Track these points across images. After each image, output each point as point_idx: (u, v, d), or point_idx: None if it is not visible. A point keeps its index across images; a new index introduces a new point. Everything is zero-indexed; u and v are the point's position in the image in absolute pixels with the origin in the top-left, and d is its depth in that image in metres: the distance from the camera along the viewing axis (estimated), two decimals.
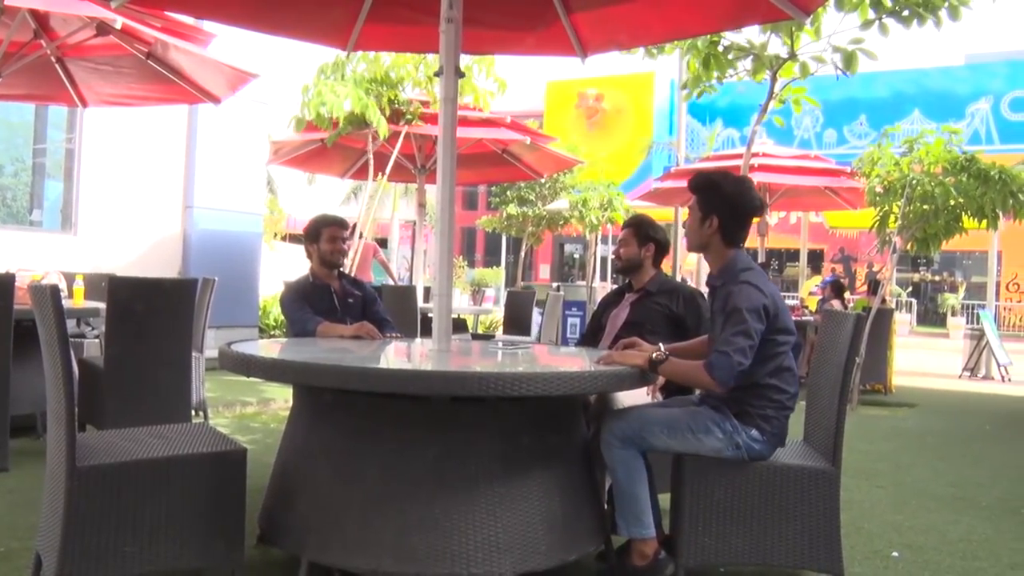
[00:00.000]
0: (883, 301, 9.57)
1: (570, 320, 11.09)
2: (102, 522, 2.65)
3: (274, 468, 3.30)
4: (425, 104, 8.58)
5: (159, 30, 5.40)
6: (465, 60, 7.89)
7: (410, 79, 8.52)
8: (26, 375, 4.84)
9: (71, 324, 6.23)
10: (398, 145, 8.77)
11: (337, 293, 4.52)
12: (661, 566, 3.20)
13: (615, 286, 6.23)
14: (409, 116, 8.35)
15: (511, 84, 8.42)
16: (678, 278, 13.29)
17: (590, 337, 4.33)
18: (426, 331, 4.92)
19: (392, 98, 8.25)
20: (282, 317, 7.14)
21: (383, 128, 8.00)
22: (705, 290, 3.57)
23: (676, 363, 3.14)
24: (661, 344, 3.27)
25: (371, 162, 8.97)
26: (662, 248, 4.22)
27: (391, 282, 11.15)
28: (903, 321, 21.83)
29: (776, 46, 6.63)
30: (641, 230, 4.23)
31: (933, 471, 5.73)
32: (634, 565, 3.21)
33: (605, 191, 16.24)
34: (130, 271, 7.54)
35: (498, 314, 13.19)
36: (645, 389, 3.66)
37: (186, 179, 9.53)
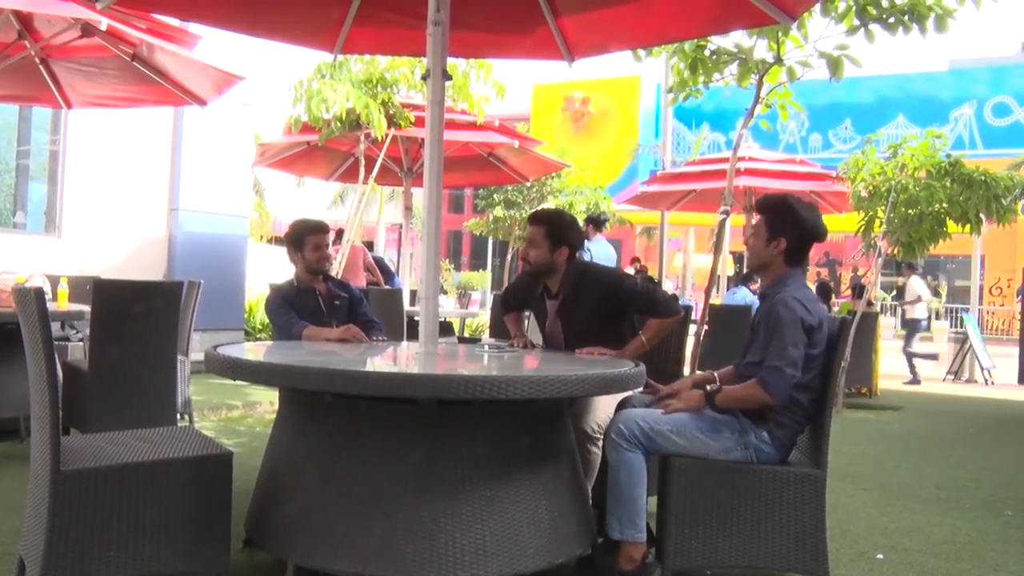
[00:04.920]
0: (868, 304, 9.62)
1: None
2: (87, 526, 2.63)
3: (260, 471, 3.29)
4: (419, 108, 8.56)
5: (144, 32, 5.38)
6: (462, 66, 7.88)
7: (404, 81, 8.50)
8: (10, 378, 4.81)
9: (55, 327, 6.19)
10: (384, 147, 8.76)
11: (323, 296, 4.43)
12: (648, 570, 3.21)
13: None
14: (401, 121, 8.33)
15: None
16: (667, 282, 13.33)
17: (514, 307, 4.29)
18: (412, 334, 4.89)
19: (386, 100, 8.23)
20: (267, 320, 7.08)
21: (381, 128, 7.97)
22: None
23: (729, 391, 3.23)
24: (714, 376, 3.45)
25: (362, 164, 8.95)
26: (575, 250, 3.86)
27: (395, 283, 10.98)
28: (887, 325, 21.94)
29: (762, 51, 6.65)
30: (554, 230, 3.80)
31: (917, 473, 5.77)
32: (622, 569, 3.21)
33: (592, 194, 16.27)
34: (115, 274, 7.51)
35: (484, 317, 13.18)
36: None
37: (172, 181, 9.48)
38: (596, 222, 10.29)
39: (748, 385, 3.19)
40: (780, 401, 3.14)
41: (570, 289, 3.85)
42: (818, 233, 3.35)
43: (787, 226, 3.31)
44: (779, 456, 3.26)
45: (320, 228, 4.50)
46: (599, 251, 9.67)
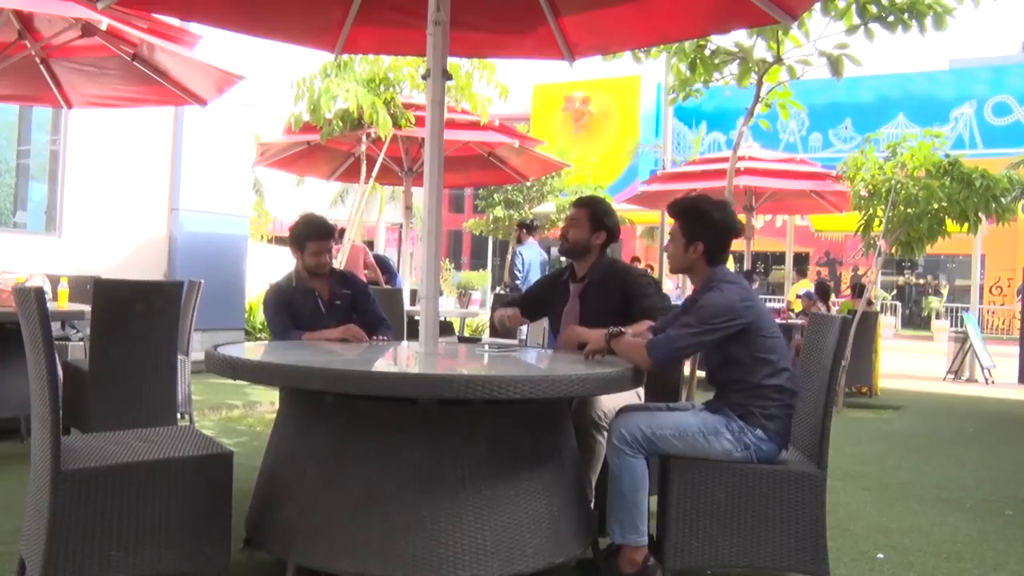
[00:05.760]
0: (868, 304, 9.62)
1: None
2: (87, 526, 2.63)
3: (260, 471, 3.29)
4: (420, 107, 8.54)
5: (145, 31, 5.37)
6: (465, 66, 7.87)
7: (407, 80, 8.49)
8: (10, 378, 4.82)
9: (55, 326, 6.19)
10: (384, 147, 8.75)
11: (323, 297, 4.29)
12: (649, 573, 3.20)
13: None
14: (402, 121, 8.32)
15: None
16: (667, 281, 13.38)
17: (529, 305, 4.24)
18: (412, 334, 4.85)
19: (389, 100, 8.23)
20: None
21: (387, 127, 7.96)
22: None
23: (624, 339, 3.26)
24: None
25: (364, 163, 8.94)
26: (612, 238, 3.98)
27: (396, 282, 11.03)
28: (888, 324, 21.94)
29: (762, 50, 6.65)
30: (596, 213, 3.96)
31: (918, 473, 5.77)
32: (623, 572, 3.21)
33: (592, 194, 16.28)
34: (115, 273, 7.50)
35: (484, 317, 13.19)
36: (633, 392, 3.66)
37: (172, 181, 9.49)
38: (528, 227, 11.27)
39: (640, 344, 3.21)
40: (652, 368, 3.19)
41: (597, 275, 3.91)
42: (733, 230, 3.40)
43: (701, 229, 3.36)
44: (779, 447, 3.27)
45: (322, 234, 4.30)
46: (530, 254, 10.71)
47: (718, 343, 3.23)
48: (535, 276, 10.24)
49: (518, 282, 10.70)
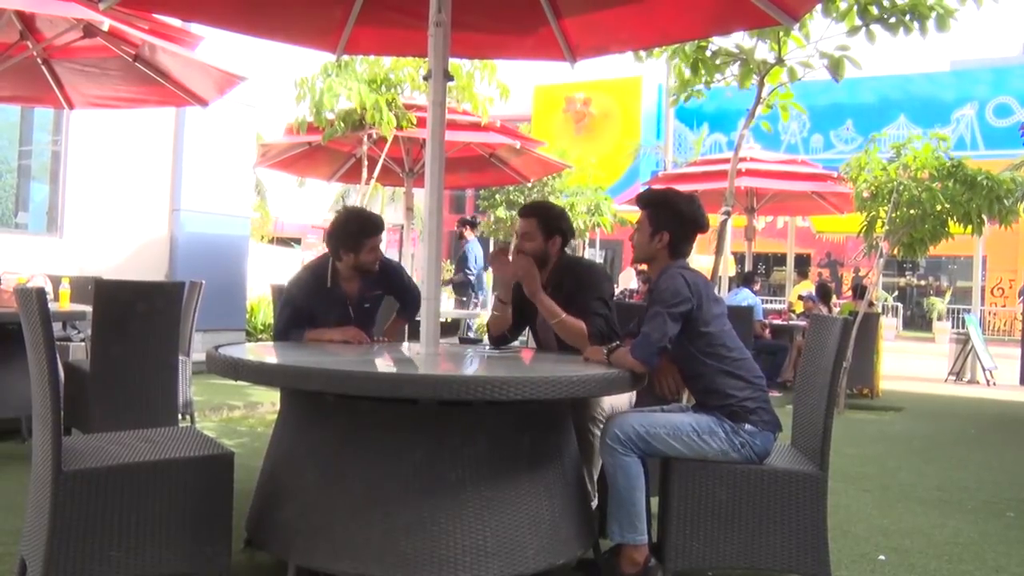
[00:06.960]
0: (869, 305, 9.61)
1: None
2: (88, 527, 2.64)
3: (261, 472, 3.29)
4: (421, 108, 8.53)
5: (146, 32, 5.38)
6: (466, 67, 7.87)
7: (409, 80, 8.48)
8: (11, 378, 4.82)
9: (57, 327, 6.19)
10: (386, 148, 8.75)
11: (353, 303, 4.11)
12: (650, 573, 3.20)
13: None
14: (404, 122, 8.31)
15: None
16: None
17: (514, 317, 4.02)
18: (413, 334, 4.82)
19: (390, 100, 8.22)
20: (269, 321, 6.89)
21: (390, 125, 7.95)
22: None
23: (619, 351, 3.28)
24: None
25: (365, 163, 8.93)
26: (567, 239, 3.87)
27: None
28: (889, 325, 21.92)
29: (763, 51, 6.64)
30: (545, 221, 3.82)
31: (919, 474, 5.76)
32: (623, 572, 3.21)
33: (593, 195, 16.27)
34: (116, 274, 7.52)
35: (485, 318, 13.21)
36: (630, 394, 3.65)
37: (173, 182, 9.49)
38: (471, 224, 12.12)
39: (626, 351, 3.24)
40: (646, 367, 3.20)
41: (557, 281, 3.80)
42: (699, 224, 3.44)
43: (668, 220, 3.41)
44: (772, 433, 3.28)
45: (379, 227, 4.07)
46: (477, 249, 11.69)
47: (679, 336, 3.24)
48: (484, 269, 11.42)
49: (471, 276, 11.47)
